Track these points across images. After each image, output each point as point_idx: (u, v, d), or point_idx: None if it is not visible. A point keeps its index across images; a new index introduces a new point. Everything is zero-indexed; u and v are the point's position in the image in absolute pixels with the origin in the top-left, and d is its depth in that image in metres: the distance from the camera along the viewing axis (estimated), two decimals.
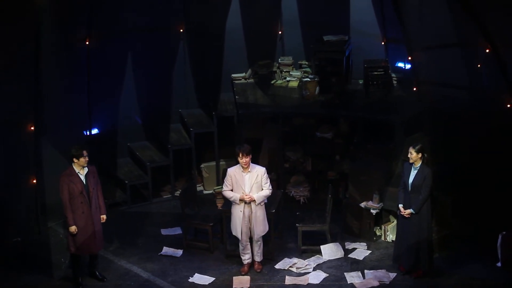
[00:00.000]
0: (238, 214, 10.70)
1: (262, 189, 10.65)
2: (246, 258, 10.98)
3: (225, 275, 10.93)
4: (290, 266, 11.10)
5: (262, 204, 10.71)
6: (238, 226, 10.75)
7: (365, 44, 13.52)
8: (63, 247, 10.79)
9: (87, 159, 10.28)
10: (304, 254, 11.40)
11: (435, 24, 11.28)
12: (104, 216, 10.65)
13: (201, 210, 12.09)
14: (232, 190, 10.68)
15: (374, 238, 11.76)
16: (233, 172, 10.68)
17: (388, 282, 10.59)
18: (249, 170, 10.60)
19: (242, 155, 10.49)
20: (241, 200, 10.60)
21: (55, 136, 11.75)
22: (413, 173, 10.34)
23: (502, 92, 10.65)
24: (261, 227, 10.76)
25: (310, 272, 10.94)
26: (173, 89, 13.93)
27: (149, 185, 13.32)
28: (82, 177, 10.32)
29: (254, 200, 10.59)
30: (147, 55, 13.44)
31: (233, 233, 10.85)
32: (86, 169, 10.34)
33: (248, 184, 10.60)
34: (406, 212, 10.34)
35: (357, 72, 13.42)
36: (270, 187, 10.73)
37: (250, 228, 10.75)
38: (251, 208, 10.65)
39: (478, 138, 10.98)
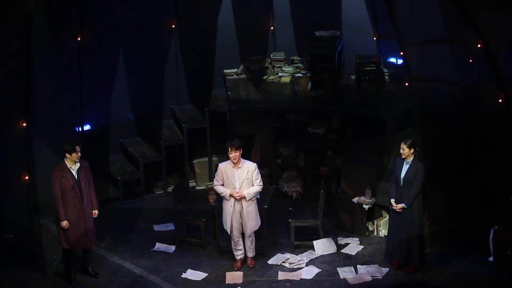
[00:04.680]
0: (229, 209, 10.72)
1: (253, 185, 10.66)
2: (238, 253, 11.00)
3: (218, 271, 10.95)
4: (283, 262, 11.12)
5: (253, 199, 10.72)
6: (228, 221, 10.77)
7: (357, 40, 13.54)
8: (56, 244, 10.77)
9: (79, 154, 10.31)
10: (296, 250, 11.42)
11: (427, 19, 11.29)
12: (96, 211, 10.67)
13: (194, 206, 12.10)
14: (223, 185, 10.70)
15: (367, 233, 11.80)
16: (224, 167, 10.69)
17: (380, 277, 10.63)
18: (240, 165, 10.61)
19: (231, 150, 10.49)
20: (231, 195, 10.62)
21: (47, 132, 11.70)
22: (405, 168, 10.37)
23: (493, 88, 10.68)
24: (253, 222, 10.77)
25: (302, 268, 10.97)
26: (165, 85, 13.91)
27: (142, 181, 13.32)
28: (74, 172, 10.34)
29: (244, 197, 10.61)
30: (139, 51, 13.42)
31: (224, 228, 10.88)
32: (78, 165, 10.37)
33: (238, 180, 10.60)
34: (398, 206, 10.38)
35: (349, 67, 13.44)
36: (261, 183, 10.74)
37: (241, 224, 10.77)
38: (241, 204, 10.67)
39: (470, 133, 11.00)
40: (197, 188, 13.77)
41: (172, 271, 10.97)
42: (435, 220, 11.20)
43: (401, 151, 10.35)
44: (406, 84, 11.69)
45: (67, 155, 10.29)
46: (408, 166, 10.35)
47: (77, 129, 12.88)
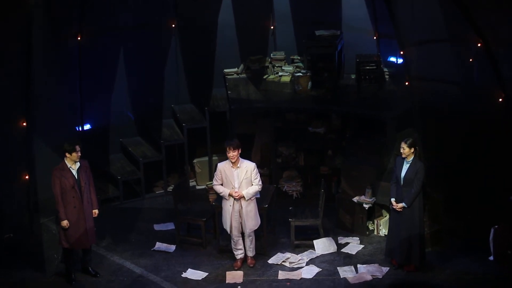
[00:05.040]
0: (228, 208, 10.72)
1: (252, 185, 10.66)
2: (238, 253, 11.00)
3: (218, 270, 10.95)
4: (283, 261, 11.12)
5: (253, 199, 10.72)
6: (227, 220, 10.77)
7: (357, 39, 13.54)
8: (56, 243, 10.78)
9: (79, 154, 10.31)
10: (297, 249, 11.42)
11: (427, 19, 11.29)
12: (96, 211, 10.67)
13: (194, 206, 12.10)
14: (222, 185, 10.70)
15: (367, 233, 11.80)
16: (222, 167, 10.69)
17: (381, 276, 10.63)
18: (239, 165, 10.61)
19: (230, 149, 10.49)
20: (231, 195, 10.62)
21: (47, 132, 11.73)
22: (405, 167, 10.37)
23: (493, 88, 10.68)
24: (252, 221, 10.77)
25: (303, 267, 10.96)
26: (165, 84, 13.92)
27: (142, 180, 13.32)
28: (74, 172, 10.34)
29: (243, 197, 10.61)
30: (139, 51, 13.42)
31: (224, 227, 10.88)
32: (78, 164, 10.37)
33: (237, 179, 10.60)
34: (398, 206, 10.38)
35: (349, 67, 13.44)
36: (260, 183, 10.73)
37: (241, 223, 10.77)
38: (241, 203, 10.67)
39: (470, 133, 11.00)
40: (197, 187, 13.78)
41: (172, 271, 10.97)
42: (435, 220, 11.20)
43: (402, 151, 10.34)
44: (406, 83, 11.70)
45: (67, 154, 10.29)
46: (408, 165, 10.35)
47: (77, 129, 12.90)
